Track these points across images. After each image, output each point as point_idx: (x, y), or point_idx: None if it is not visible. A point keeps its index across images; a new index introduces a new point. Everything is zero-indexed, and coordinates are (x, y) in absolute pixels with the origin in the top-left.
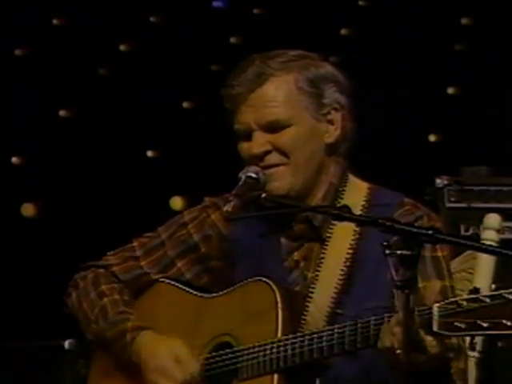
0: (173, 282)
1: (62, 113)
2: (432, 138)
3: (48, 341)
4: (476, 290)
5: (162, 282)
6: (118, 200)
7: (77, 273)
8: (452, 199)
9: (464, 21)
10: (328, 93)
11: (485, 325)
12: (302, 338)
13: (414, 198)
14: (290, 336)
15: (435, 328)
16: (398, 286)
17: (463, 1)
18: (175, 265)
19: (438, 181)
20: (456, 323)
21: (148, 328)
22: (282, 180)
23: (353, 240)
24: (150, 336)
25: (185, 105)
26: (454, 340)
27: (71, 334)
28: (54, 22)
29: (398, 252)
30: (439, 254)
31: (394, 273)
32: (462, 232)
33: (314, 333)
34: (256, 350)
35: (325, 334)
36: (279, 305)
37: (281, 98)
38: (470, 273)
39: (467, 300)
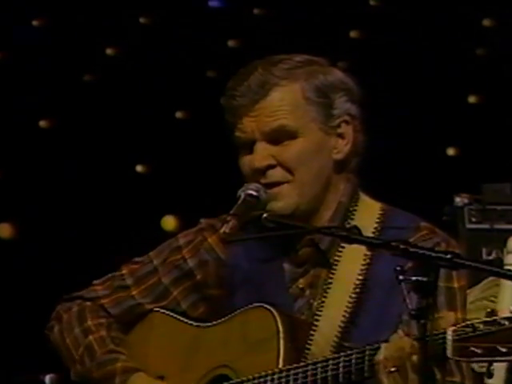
0: (167, 312)
1: (42, 123)
2: (450, 151)
3: (28, 376)
4: (494, 313)
5: (157, 311)
6: (103, 220)
7: (59, 304)
8: (473, 220)
9: (486, 22)
10: (338, 102)
11: (503, 350)
12: (305, 368)
13: (430, 219)
14: (293, 366)
15: (449, 354)
16: (413, 315)
17: (485, 0)
18: (171, 293)
19: (457, 199)
20: (472, 348)
21: (138, 370)
22: (286, 199)
23: (363, 265)
24: (140, 381)
25: (178, 115)
26: (456, 378)
27: (52, 368)
28: (34, 23)
29: (413, 278)
30: (455, 284)
31: (408, 301)
32: (484, 256)
33: (317, 362)
34: (255, 382)
35: (330, 362)
36: (281, 334)
37: (287, 108)
38: (492, 301)
39: (484, 323)
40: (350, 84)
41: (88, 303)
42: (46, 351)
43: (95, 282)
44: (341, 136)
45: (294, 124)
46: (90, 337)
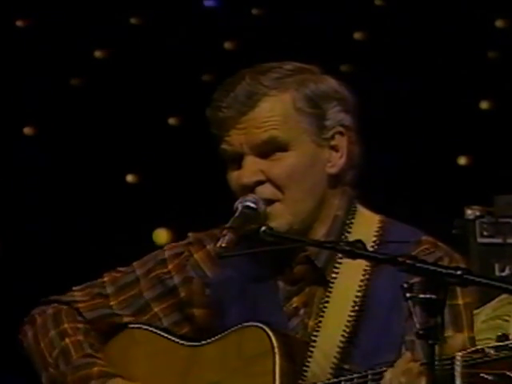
0: (151, 328)
1: (26, 130)
2: (461, 160)
3: None
4: (505, 337)
5: (139, 327)
6: (92, 232)
7: (35, 307)
8: (484, 234)
9: (498, 23)
10: (331, 113)
11: None
12: None
13: (439, 232)
14: None
15: (458, 381)
16: (421, 335)
17: (497, 0)
18: (151, 309)
19: (468, 212)
20: (482, 374)
21: (115, 375)
22: (279, 220)
23: (362, 281)
24: None
25: (171, 121)
26: None
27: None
28: (18, 23)
29: (421, 296)
30: (460, 301)
31: (415, 319)
32: (497, 272)
33: None
34: None
35: None
36: (277, 354)
37: (277, 119)
38: (506, 320)
39: (495, 348)
40: (343, 93)
41: (64, 307)
42: (21, 360)
43: (75, 288)
44: (334, 148)
45: (284, 136)
46: (67, 339)
